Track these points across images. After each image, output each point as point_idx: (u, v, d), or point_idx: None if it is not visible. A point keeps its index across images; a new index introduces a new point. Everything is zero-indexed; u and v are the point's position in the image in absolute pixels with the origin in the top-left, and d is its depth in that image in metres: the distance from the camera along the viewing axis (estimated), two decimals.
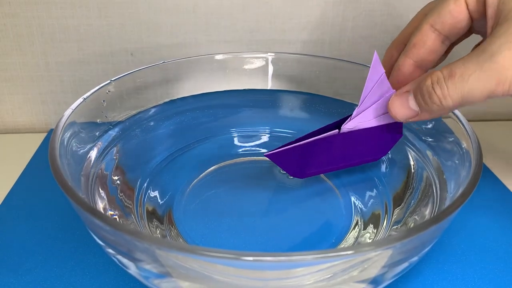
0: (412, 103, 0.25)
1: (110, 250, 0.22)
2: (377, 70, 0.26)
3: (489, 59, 0.21)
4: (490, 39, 0.22)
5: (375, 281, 0.22)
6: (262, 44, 0.42)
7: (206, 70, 0.37)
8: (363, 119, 0.28)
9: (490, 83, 0.21)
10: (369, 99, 0.27)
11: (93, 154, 0.29)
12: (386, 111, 0.27)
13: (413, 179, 0.30)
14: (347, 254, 0.18)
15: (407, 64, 0.27)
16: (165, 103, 0.36)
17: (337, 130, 0.28)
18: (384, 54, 0.30)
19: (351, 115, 0.30)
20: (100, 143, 0.30)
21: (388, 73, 0.28)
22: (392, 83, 0.27)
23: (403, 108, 0.25)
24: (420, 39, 0.26)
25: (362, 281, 0.21)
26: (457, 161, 0.27)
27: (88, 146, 0.29)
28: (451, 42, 0.27)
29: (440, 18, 0.25)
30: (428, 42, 0.26)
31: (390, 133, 0.29)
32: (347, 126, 0.28)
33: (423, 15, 0.27)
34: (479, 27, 0.26)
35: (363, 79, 0.30)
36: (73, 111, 0.28)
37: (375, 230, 0.28)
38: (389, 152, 0.33)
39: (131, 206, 0.29)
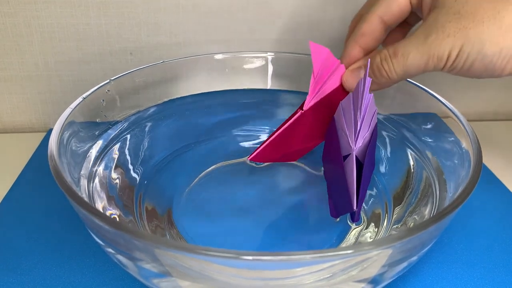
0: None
1: (110, 250, 0.22)
2: (366, 80, 0.26)
3: (423, 41, 0.27)
4: (424, 25, 0.27)
5: (374, 280, 0.22)
6: (262, 44, 0.42)
7: (205, 69, 0.37)
8: (364, 132, 0.27)
9: (423, 59, 0.27)
10: (361, 112, 0.27)
11: (92, 153, 0.29)
12: (372, 117, 0.27)
13: (413, 178, 0.30)
14: (346, 253, 0.18)
15: (356, 50, 0.31)
16: (164, 102, 0.36)
17: (354, 154, 0.27)
18: (348, 48, 0.31)
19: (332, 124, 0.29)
20: (99, 142, 0.30)
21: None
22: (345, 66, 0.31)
23: (357, 81, 0.29)
24: (369, 30, 0.30)
25: (362, 281, 0.21)
26: (456, 161, 0.27)
27: (88, 146, 0.29)
28: (390, 30, 0.31)
29: (390, 11, 0.30)
30: (376, 32, 0.30)
31: (374, 134, 0.29)
32: (357, 146, 0.27)
33: (370, 5, 0.31)
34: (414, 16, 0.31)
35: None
36: (72, 111, 0.28)
37: (376, 229, 0.28)
38: (388, 152, 0.33)
39: (130, 206, 0.29)
